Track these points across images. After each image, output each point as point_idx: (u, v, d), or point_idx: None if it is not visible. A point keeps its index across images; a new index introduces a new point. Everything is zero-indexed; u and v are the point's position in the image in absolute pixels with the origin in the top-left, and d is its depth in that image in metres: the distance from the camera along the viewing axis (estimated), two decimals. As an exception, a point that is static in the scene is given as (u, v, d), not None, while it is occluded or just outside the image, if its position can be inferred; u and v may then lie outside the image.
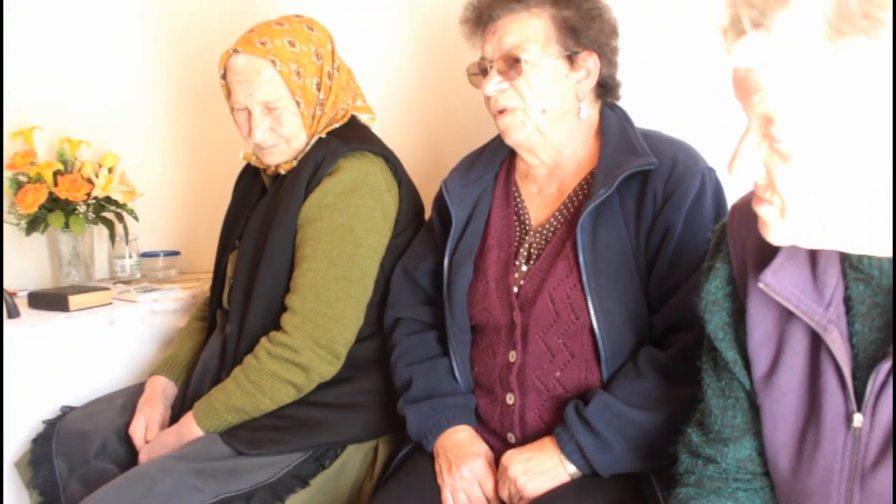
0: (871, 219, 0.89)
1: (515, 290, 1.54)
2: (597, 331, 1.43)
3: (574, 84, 1.54)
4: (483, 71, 1.56)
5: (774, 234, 0.95)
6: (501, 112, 1.54)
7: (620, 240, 1.47)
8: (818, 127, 0.85)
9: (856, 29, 0.81)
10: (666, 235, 1.44)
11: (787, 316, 1.05)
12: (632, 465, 1.39)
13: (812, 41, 0.83)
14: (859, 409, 0.98)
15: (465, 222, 1.64)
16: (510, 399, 1.52)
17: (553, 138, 1.56)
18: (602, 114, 1.60)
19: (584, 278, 1.44)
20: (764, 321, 1.08)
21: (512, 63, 1.50)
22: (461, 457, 1.50)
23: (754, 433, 1.13)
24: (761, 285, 1.03)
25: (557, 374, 1.48)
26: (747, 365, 1.11)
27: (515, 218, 1.62)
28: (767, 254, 1.03)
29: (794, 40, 0.84)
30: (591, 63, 1.54)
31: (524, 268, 1.55)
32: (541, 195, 1.62)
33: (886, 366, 0.95)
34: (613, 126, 1.57)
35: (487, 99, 1.56)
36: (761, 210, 0.95)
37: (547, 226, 1.57)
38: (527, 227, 1.60)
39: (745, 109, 0.93)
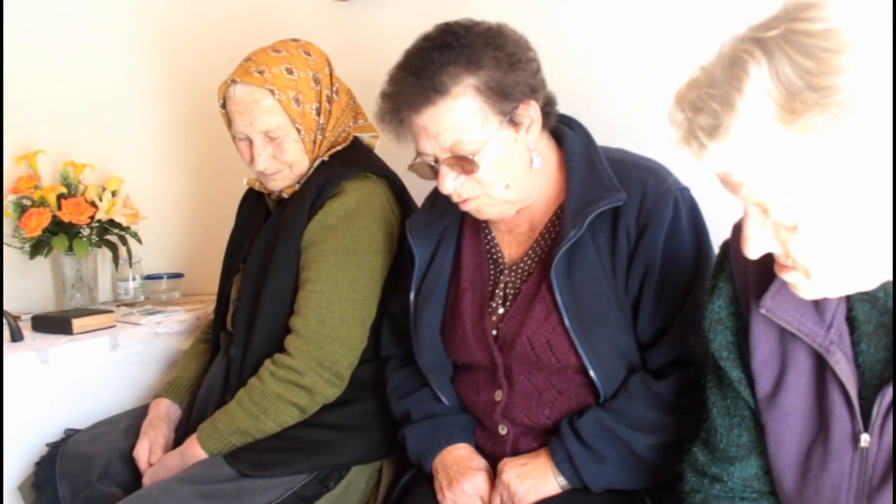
0: (879, 254, 0.90)
1: (494, 332, 1.49)
2: (592, 374, 1.40)
3: (523, 140, 1.42)
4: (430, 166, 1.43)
5: (806, 293, 0.96)
6: (465, 201, 1.44)
7: (598, 279, 1.41)
8: (812, 199, 0.86)
9: (808, 105, 0.81)
10: (647, 274, 1.39)
11: (789, 336, 1.06)
12: (623, 480, 1.38)
13: (771, 131, 0.84)
14: (866, 430, 0.99)
15: (430, 260, 1.58)
16: (503, 430, 1.50)
17: (521, 197, 1.47)
18: (563, 140, 1.50)
19: (567, 323, 1.39)
20: (767, 341, 1.09)
21: (464, 160, 1.38)
22: (462, 472, 1.48)
23: (760, 452, 1.13)
24: (762, 310, 1.04)
25: (546, 411, 1.45)
26: (752, 384, 1.11)
27: (488, 256, 1.57)
28: (768, 275, 1.03)
29: (753, 137, 0.84)
30: (531, 111, 1.41)
31: (501, 310, 1.50)
32: (511, 234, 1.56)
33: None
34: (577, 153, 1.48)
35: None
36: (788, 276, 0.96)
37: (521, 265, 1.51)
38: (501, 266, 1.54)
39: (738, 199, 0.93)
